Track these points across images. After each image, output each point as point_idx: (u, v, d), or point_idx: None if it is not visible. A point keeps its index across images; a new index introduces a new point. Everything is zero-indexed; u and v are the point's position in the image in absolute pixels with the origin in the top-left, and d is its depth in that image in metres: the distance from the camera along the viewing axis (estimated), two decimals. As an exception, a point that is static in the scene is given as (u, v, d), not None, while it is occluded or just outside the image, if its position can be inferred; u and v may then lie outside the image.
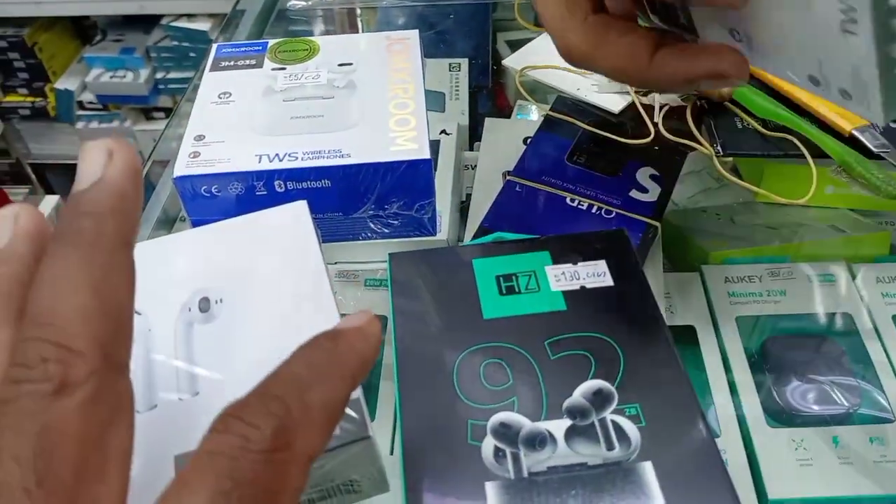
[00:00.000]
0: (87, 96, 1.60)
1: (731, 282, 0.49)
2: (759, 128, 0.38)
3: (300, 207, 0.31)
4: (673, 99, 0.41)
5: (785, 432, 0.39)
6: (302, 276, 0.29)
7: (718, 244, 0.53)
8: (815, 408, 0.40)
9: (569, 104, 0.47)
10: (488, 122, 0.63)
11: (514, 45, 0.78)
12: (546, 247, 0.33)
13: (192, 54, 1.47)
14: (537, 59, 0.45)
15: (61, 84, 1.60)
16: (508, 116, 0.67)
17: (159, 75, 1.54)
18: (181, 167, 0.32)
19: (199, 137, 0.34)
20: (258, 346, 0.27)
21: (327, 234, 0.34)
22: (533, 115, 0.68)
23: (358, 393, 0.26)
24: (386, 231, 0.35)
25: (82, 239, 0.18)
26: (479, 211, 0.55)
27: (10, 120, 1.66)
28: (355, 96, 0.37)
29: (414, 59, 0.39)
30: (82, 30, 1.65)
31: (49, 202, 0.94)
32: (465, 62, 0.69)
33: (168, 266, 0.30)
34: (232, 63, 0.39)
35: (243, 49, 0.39)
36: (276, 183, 0.32)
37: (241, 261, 0.30)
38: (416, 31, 0.42)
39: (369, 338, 0.20)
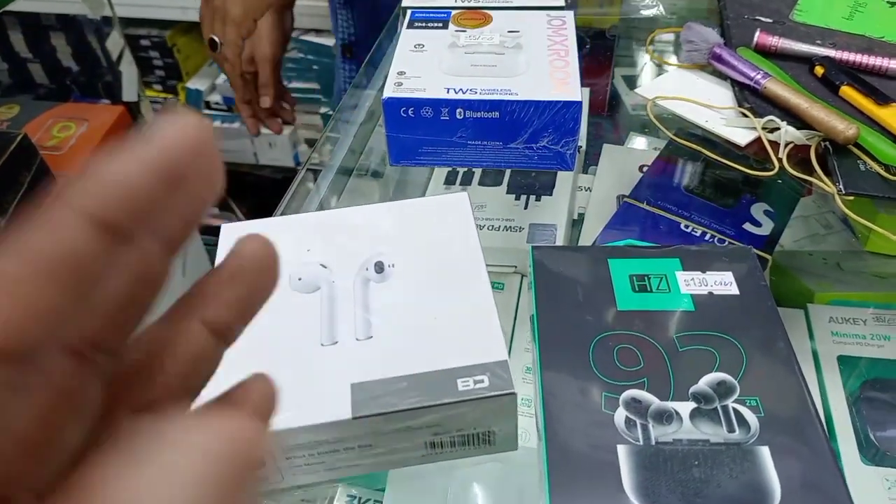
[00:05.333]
0: (215, 97, 1.72)
1: (836, 322, 0.49)
2: (882, 172, 0.40)
3: (462, 197, 0.36)
4: (798, 137, 0.43)
5: (878, 471, 0.39)
6: (462, 255, 0.33)
7: (824, 286, 0.54)
8: (912, 451, 0.41)
9: (692, 135, 0.50)
10: (606, 147, 0.66)
11: (628, 81, 0.81)
12: (677, 254, 0.36)
13: (315, 67, 1.56)
14: (666, 91, 0.49)
15: (192, 84, 1.72)
16: (621, 145, 0.71)
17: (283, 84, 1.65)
18: (388, 92, 0.40)
19: (401, 73, 0.41)
20: (421, 307, 0.31)
21: (485, 160, 0.41)
22: (644, 145, 0.71)
23: (505, 355, 0.29)
24: (533, 161, 0.40)
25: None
26: (591, 229, 0.58)
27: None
28: (522, 54, 0.44)
29: (570, 31, 0.46)
30: (216, 36, 1.79)
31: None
32: (586, 91, 0.73)
33: (351, 232, 0.35)
34: (423, 24, 0.47)
35: (432, 14, 0.48)
36: (458, 111, 0.39)
37: (412, 236, 0.34)
38: (572, 12, 0.48)
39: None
